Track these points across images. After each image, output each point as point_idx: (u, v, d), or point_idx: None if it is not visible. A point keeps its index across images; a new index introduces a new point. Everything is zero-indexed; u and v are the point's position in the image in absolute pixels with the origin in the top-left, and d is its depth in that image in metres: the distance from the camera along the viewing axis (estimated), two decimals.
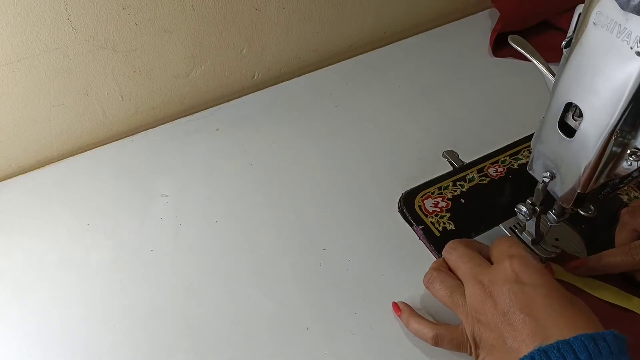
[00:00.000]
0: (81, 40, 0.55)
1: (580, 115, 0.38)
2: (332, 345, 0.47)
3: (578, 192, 0.42)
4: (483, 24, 0.78)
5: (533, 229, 0.50)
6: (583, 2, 0.36)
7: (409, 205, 0.56)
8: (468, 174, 0.59)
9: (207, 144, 0.63)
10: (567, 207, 0.45)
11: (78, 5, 0.52)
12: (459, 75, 0.71)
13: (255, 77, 0.71)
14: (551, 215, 0.48)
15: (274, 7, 0.64)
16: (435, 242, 0.53)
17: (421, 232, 0.54)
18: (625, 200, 0.56)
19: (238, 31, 0.64)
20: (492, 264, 0.44)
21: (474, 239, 0.52)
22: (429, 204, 0.56)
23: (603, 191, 0.46)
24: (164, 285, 0.51)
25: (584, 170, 0.40)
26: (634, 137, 0.37)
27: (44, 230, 0.55)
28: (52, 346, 0.47)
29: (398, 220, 0.56)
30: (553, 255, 0.51)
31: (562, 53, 0.39)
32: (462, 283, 0.44)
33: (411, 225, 0.55)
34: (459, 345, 0.44)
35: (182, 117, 0.66)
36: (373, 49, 0.75)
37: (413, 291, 0.50)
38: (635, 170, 0.39)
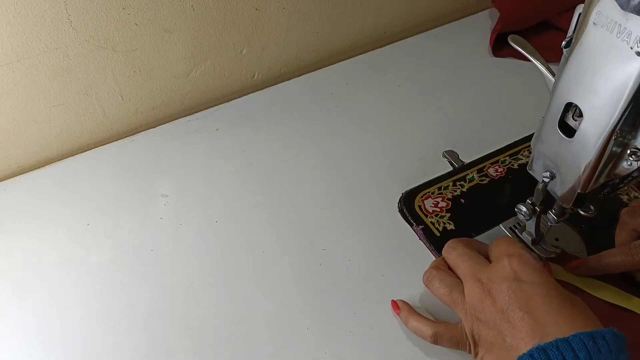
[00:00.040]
0: (81, 40, 0.55)
1: (580, 115, 0.38)
2: (332, 345, 0.47)
3: (578, 192, 0.42)
4: (483, 24, 0.78)
5: (533, 229, 0.50)
6: (583, 2, 0.36)
7: (409, 205, 0.56)
8: (468, 174, 0.59)
9: (207, 144, 0.63)
10: (567, 207, 0.45)
11: (78, 5, 0.52)
12: (459, 75, 0.71)
13: (255, 77, 0.71)
14: (551, 215, 0.48)
15: (274, 7, 0.64)
16: (435, 242, 0.53)
17: (421, 232, 0.54)
18: (625, 200, 0.56)
19: (238, 31, 0.64)
20: (491, 263, 0.44)
21: (474, 239, 0.52)
22: (429, 204, 0.56)
23: (603, 191, 0.46)
24: (164, 285, 0.51)
25: (584, 170, 0.40)
26: (634, 137, 0.37)
27: (44, 230, 0.55)
28: (52, 346, 0.47)
29: (398, 220, 0.56)
30: (553, 255, 0.51)
31: (562, 53, 0.39)
32: (461, 281, 0.45)
33: (411, 225, 0.55)
34: (458, 343, 0.44)
35: (182, 117, 0.66)
36: (373, 49, 0.75)
37: (413, 291, 0.50)
38: (635, 170, 0.39)
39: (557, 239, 0.52)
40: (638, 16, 0.32)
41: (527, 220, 0.49)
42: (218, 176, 0.60)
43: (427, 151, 0.62)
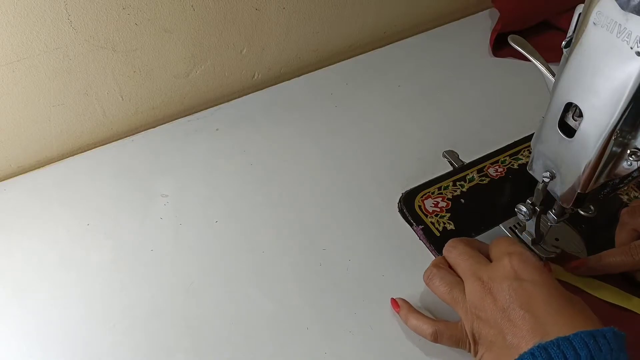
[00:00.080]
0: (81, 40, 0.55)
1: (580, 115, 0.38)
2: (332, 345, 0.47)
3: (578, 192, 0.42)
4: (483, 24, 0.78)
5: (533, 229, 0.50)
6: (583, 2, 0.36)
7: (409, 205, 0.56)
8: (468, 174, 0.59)
9: (207, 144, 0.63)
10: (567, 207, 0.45)
11: (78, 5, 0.52)
12: (459, 75, 0.71)
13: (255, 77, 0.71)
14: (551, 215, 0.48)
15: (274, 7, 0.64)
16: (435, 242, 0.53)
17: (421, 232, 0.54)
18: (625, 200, 0.56)
19: (238, 31, 0.64)
20: (491, 262, 0.44)
21: (474, 238, 0.52)
22: (429, 204, 0.56)
23: (603, 191, 0.46)
24: (164, 285, 0.51)
25: (584, 170, 0.40)
26: (634, 137, 0.37)
27: (44, 230, 0.55)
28: (52, 346, 0.47)
29: (398, 220, 0.56)
30: (553, 255, 0.51)
31: (562, 53, 0.39)
32: (462, 280, 0.45)
33: (411, 225, 0.55)
34: (457, 341, 0.44)
35: (182, 117, 0.66)
36: (373, 49, 0.75)
37: (413, 291, 0.50)
38: (635, 170, 0.39)
39: (557, 239, 0.52)
40: (638, 16, 0.32)
41: (527, 220, 0.49)
42: (218, 176, 0.60)
43: (427, 151, 0.62)
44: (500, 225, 0.54)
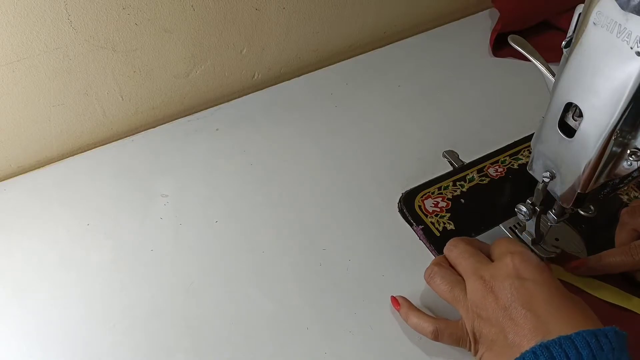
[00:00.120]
0: (81, 40, 0.55)
1: (580, 115, 0.38)
2: (332, 345, 0.47)
3: (578, 192, 0.42)
4: (483, 24, 0.78)
5: (533, 229, 0.50)
6: (583, 2, 0.36)
7: (409, 205, 0.56)
8: (468, 174, 0.59)
9: (207, 144, 0.63)
10: (567, 207, 0.45)
11: (78, 5, 0.52)
12: (459, 75, 0.71)
13: (255, 77, 0.71)
14: (551, 215, 0.48)
15: (274, 7, 0.64)
16: (435, 242, 0.53)
17: (421, 232, 0.54)
18: (625, 200, 0.56)
19: (238, 31, 0.64)
20: (492, 261, 0.44)
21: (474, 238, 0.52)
22: (429, 204, 0.56)
23: (603, 191, 0.46)
24: (164, 285, 0.51)
25: (584, 170, 0.40)
26: (634, 137, 0.37)
27: (44, 230, 0.55)
28: (52, 346, 0.47)
29: (398, 220, 0.56)
30: (553, 255, 0.51)
31: (562, 53, 0.39)
32: (463, 279, 0.45)
33: (411, 225, 0.55)
34: (458, 340, 0.44)
35: (182, 117, 0.66)
36: (373, 49, 0.75)
37: (413, 291, 0.50)
38: (635, 170, 0.39)
39: (557, 239, 0.52)
40: (638, 16, 0.32)
41: (527, 220, 0.49)
42: (218, 176, 0.60)
43: (427, 151, 0.62)
44: (500, 225, 0.54)
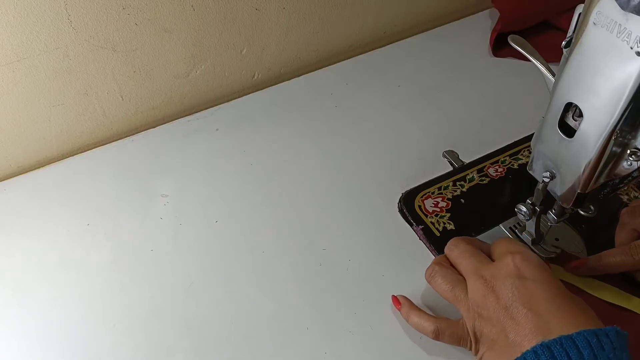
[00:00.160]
0: (81, 40, 0.55)
1: (580, 115, 0.38)
2: (332, 345, 0.47)
3: (578, 192, 0.42)
4: (483, 24, 0.78)
5: (533, 229, 0.50)
6: (583, 2, 0.36)
7: (409, 205, 0.56)
8: (468, 174, 0.59)
9: (207, 144, 0.63)
10: (567, 207, 0.45)
11: (78, 5, 0.52)
12: (459, 75, 0.71)
13: (255, 77, 0.71)
14: (551, 215, 0.48)
15: (274, 7, 0.64)
16: (435, 242, 0.53)
17: (421, 232, 0.54)
18: (625, 200, 0.56)
19: (238, 31, 0.64)
20: (493, 261, 0.44)
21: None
22: (429, 204, 0.56)
23: (603, 191, 0.46)
24: (164, 285, 0.51)
25: (584, 170, 0.40)
26: (634, 137, 0.37)
27: (44, 230, 0.55)
28: (52, 346, 0.47)
29: (398, 220, 0.56)
30: (553, 255, 0.51)
31: (562, 53, 0.39)
32: (464, 278, 0.45)
33: (411, 225, 0.55)
34: (459, 339, 0.44)
35: (182, 117, 0.66)
36: (373, 49, 0.75)
37: (413, 291, 0.50)
38: (635, 170, 0.39)
39: (557, 239, 0.52)
40: (638, 16, 0.32)
41: (527, 220, 0.49)
42: (218, 176, 0.60)
43: (427, 151, 0.62)
44: (500, 225, 0.54)
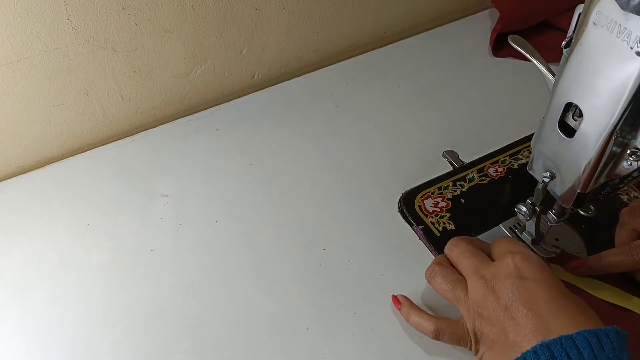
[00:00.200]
0: (81, 40, 0.55)
1: (580, 115, 0.38)
2: (332, 345, 0.47)
3: (578, 192, 0.42)
4: (483, 24, 0.78)
5: (533, 229, 0.50)
6: (583, 2, 0.36)
7: (409, 205, 0.56)
8: (468, 174, 0.59)
9: (207, 144, 0.63)
10: (567, 207, 0.45)
11: (78, 5, 0.52)
12: (459, 75, 0.71)
13: (255, 77, 0.71)
14: (551, 215, 0.48)
15: (274, 7, 0.64)
16: (435, 242, 0.53)
17: (421, 232, 0.54)
18: (625, 200, 0.56)
19: (238, 31, 0.64)
20: (493, 261, 0.44)
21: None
22: (429, 204, 0.56)
23: (603, 191, 0.46)
24: (164, 285, 0.51)
25: (584, 170, 0.40)
26: (634, 137, 0.37)
27: (44, 230, 0.55)
28: (52, 346, 0.47)
29: (398, 220, 0.56)
30: (553, 255, 0.51)
31: (562, 53, 0.39)
32: (464, 278, 0.45)
33: (411, 225, 0.55)
34: (459, 339, 0.44)
35: (182, 117, 0.66)
36: (373, 49, 0.75)
37: (413, 291, 0.50)
38: (635, 170, 0.39)
39: (557, 239, 0.52)
40: (638, 16, 0.32)
41: (527, 220, 0.49)
42: (218, 176, 0.60)
43: (427, 151, 0.62)
44: (500, 225, 0.54)
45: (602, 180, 0.41)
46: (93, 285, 0.51)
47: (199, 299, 0.50)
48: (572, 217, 0.49)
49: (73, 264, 0.52)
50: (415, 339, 0.47)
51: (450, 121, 0.65)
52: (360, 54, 0.74)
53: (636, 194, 0.56)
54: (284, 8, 0.65)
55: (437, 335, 0.44)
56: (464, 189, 0.57)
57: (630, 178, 0.43)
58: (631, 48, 0.33)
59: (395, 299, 0.48)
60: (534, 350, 0.36)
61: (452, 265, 0.47)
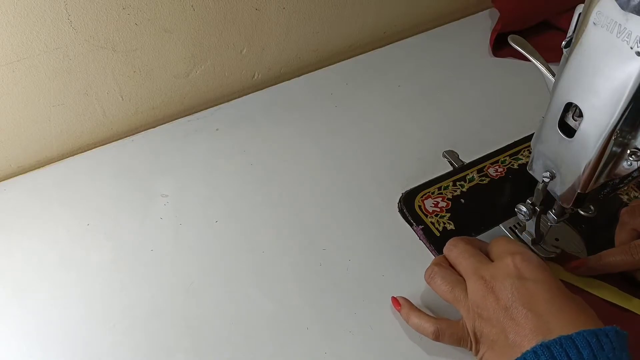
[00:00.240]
0: (81, 40, 0.55)
1: (580, 115, 0.38)
2: (332, 345, 0.47)
3: (578, 192, 0.42)
4: (483, 24, 0.78)
5: (533, 229, 0.50)
6: (583, 2, 0.36)
7: (409, 205, 0.56)
8: (468, 174, 0.59)
9: (207, 144, 0.63)
10: (567, 207, 0.45)
11: (78, 5, 0.52)
12: (459, 75, 0.71)
13: (255, 77, 0.71)
14: (551, 215, 0.48)
15: (274, 7, 0.64)
16: (435, 242, 0.53)
17: (421, 232, 0.54)
18: (625, 200, 0.56)
19: (238, 31, 0.64)
20: (492, 261, 0.44)
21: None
22: (429, 204, 0.56)
23: (603, 191, 0.46)
24: (164, 285, 0.51)
25: (584, 170, 0.40)
26: (634, 137, 0.37)
27: (44, 230, 0.55)
28: (52, 346, 0.47)
29: (398, 220, 0.56)
30: (553, 255, 0.51)
31: (562, 53, 0.39)
32: (463, 279, 0.45)
33: (411, 225, 0.55)
34: (459, 340, 0.44)
35: (182, 117, 0.66)
36: (373, 49, 0.75)
37: (413, 291, 0.50)
38: (635, 170, 0.39)
39: (557, 239, 0.52)
40: (638, 16, 0.32)
41: (527, 220, 0.49)
42: (218, 176, 0.60)
43: (427, 151, 0.62)
44: (500, 225, 0.54)
45: (602, 180, 0.41)
46: (93, 285, 0.51)
47: (199, 299, 0.50)
48: (572, 217, 0.49)
49: (73, 264, 0.52)
50: (415, 339, 0.47)
51: (450, 121, 0.65)
52: (360, 54, 0.74)
53: (636, 194, 0.56)
54: (284, 8, 0.65)
55: (437, 337, 0.44)
56: (464, 189, 0.57)
57: (630, 178, 0.43)
58: (631, 48, 0.33)
59: (394, 300, 0.48)
60: (533, 351, 0.36)
61: (451, 265, 0.47)
